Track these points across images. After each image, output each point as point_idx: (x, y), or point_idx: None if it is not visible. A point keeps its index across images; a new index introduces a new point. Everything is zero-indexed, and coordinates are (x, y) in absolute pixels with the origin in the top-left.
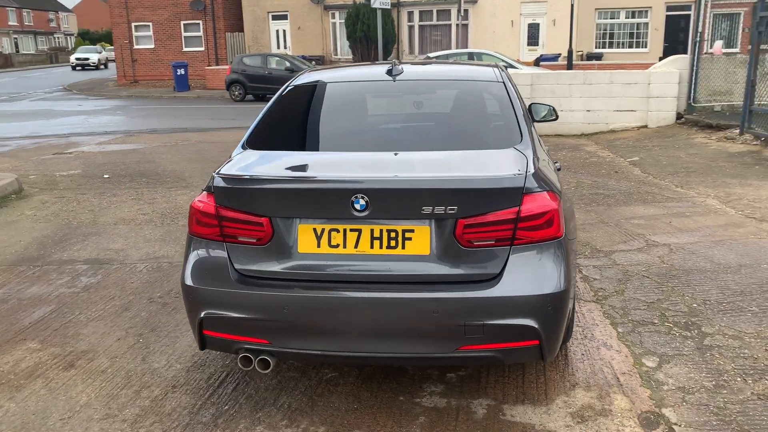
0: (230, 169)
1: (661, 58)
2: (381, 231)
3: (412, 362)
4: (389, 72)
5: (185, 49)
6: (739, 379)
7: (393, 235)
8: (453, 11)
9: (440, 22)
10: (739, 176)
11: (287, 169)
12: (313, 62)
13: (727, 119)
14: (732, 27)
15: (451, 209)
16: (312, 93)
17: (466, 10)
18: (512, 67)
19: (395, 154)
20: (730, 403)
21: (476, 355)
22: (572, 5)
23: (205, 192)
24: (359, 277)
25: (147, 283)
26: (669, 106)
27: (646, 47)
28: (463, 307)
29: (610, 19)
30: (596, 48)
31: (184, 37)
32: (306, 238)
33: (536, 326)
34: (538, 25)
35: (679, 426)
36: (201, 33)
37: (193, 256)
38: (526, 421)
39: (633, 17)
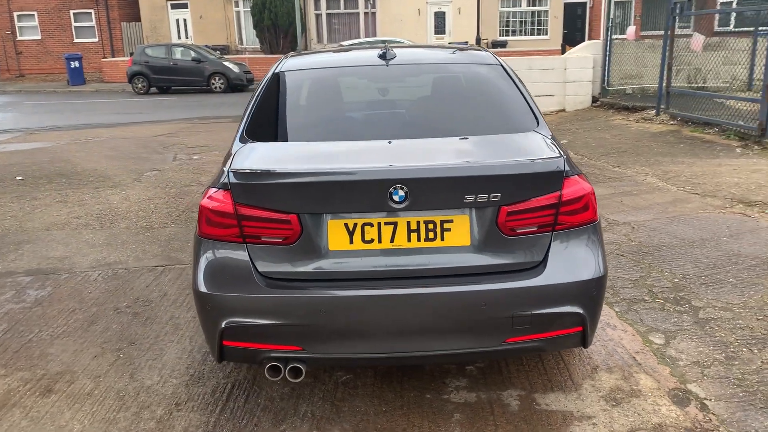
0: (246, 163)
1: (562, 45)
2: (418, 223)
3: (457, 359)
4: (382, 56)
5: (77, 40)
6: (744, 349)
7: (431, 226)
8: (361, 0)
9: (348, 10)
10: (668, 155)
11: (310, 161)
12: (218, 52)
13: (641, 101)
14: (624, 14)
15: (494, 196)
16: (305, 80)
17: None
18: None
19: (418, 141)
20: (747, 374)
21: (522, 347)
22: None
23: (216, 189)
24: (398, 273)
25: (107, 293)
26: (585, 90)
27: (547, 34)
28: (512, 298)
29: (513, 7)
30: (500, 36)
31: (75, 27)
32: (337, 234)
33: (582, 312)
34: (444, 13)
35: (710, 401)
36: (94, 23)
37: (205, 261)
38: (562, 409)
39: (534, 5)
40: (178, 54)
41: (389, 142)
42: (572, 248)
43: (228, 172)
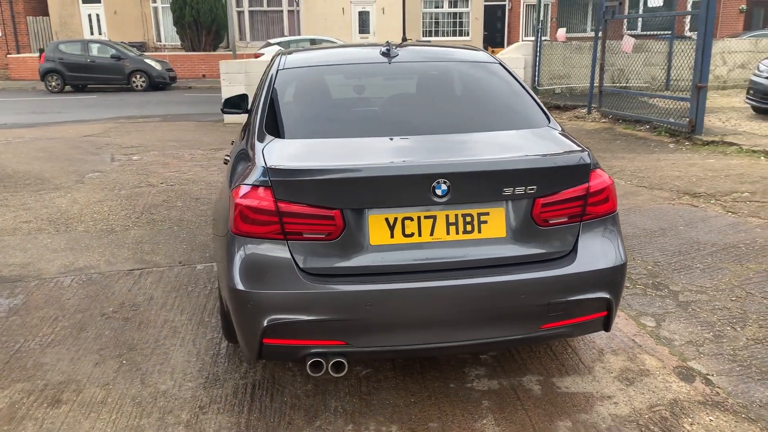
0: (284, 160)
1: (485, 46)
2: (456, 216)
3: (495, 347)
4: (385, 54)
5: None
6: (728, 328)
7: (468, 219)
8: None
9: (271, 8)
10: (608, 150)
11: (347, 156)
12: (135, 49)
13: (571, 100)
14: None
15: (531, 189)
16: (314, 76)
17: None
18: None
19: (446, 137)
20: (737, 350)
21: (554, 333)
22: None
23: (251, 186)
24: (438, 266)
25: (88, 298)
26: None
27: (468, 35)
28: (548, 286)
29: (435, 8)
30: (423, 36)
31: None
32: (378, 228)
33: (609, 297)
34: (368, 12)
35: (712, 376)
36: None
37: (243, 259)
38: (582, 391)
39: (455, 7)
40: (95, 51)
41: (419, 138)
42: (598, 237)
43: (265, 168)
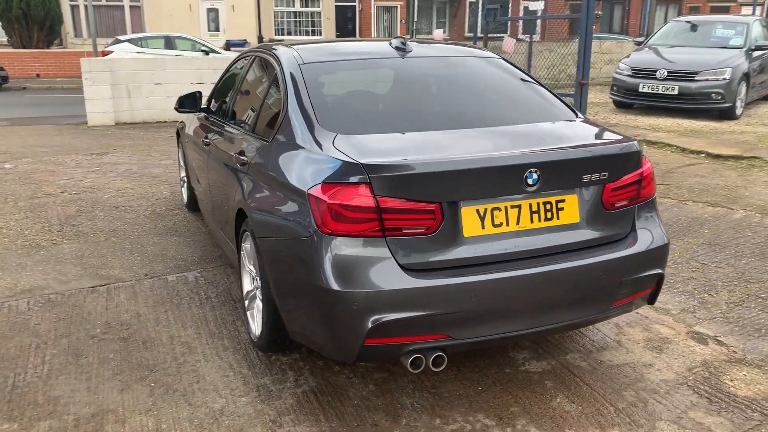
0: (375, 155)
1: None
2: (538, 204)
3: (577, 326)
4: (399, 48)
5: None
6: (705, 295)
7: (548, 207)
8: None
9: (110, 3)
10: None
11: (432, 150)
12: None
13: None
14: (392, 19)
15: (603, 175)
16: (342, 71)
17: None
18: (215, 52)
19: (508, 128)
20: (725, 313)
21: (620, 309)
22: None
23: (347, 184)
24: (526, 253)
25: (62, 321)
26: None
27: (321, 35)
28: (621, 266)
29: (287, 7)
30: (276, 35)
31: None
32: (470, 220)
33: (662, 272)
34: (217, 10)
35: (720, 337)
36: None
37: (337, 258)
38: (625, 362)
39: (307, 6)
40: None
41: (479, 130)
42: (648, 218)
43: (358, 164)
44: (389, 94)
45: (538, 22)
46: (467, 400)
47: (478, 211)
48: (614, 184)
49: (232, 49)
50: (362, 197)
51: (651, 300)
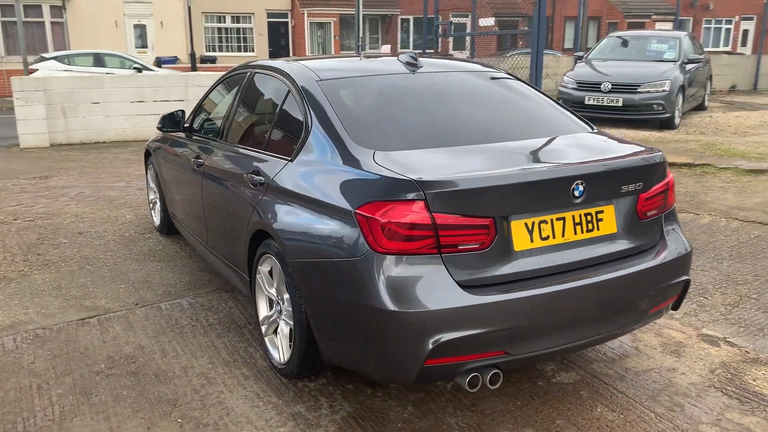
0: (426, 171)
1: None
2: (580, 216)
3: (619, 335)
4: (410, 64)
5: None
6: (702, 298)
7: (589, 218)
8: (45, 7)
9: (29, 19)
10: None
11: (473, 165)
12: None
13: None
14: (326, 34)
15: (639, 185)
16: (361, 87)
17: (60, 7)
18: (147, 69)
19: (538, 140)
20: (726, 315)
21: (654, 316)
22: (189, 7)
23: (401, 201)
24: (573, 265)
25: (58, 358)
26: None
27: (253, 51)
28: (657, 274)
29: (218, 23)
30: (207, 51)
31: None
32: (520, 234)
33: (689, 278)
34: (144, 26)
35: (729, 338)
36: None
37: (390, 278)
38: (650, 368)
39: (239, 22)
40: None
41: (512, 144)
42: (673, 226)
43: (410, 181)
44: (414, 110)
45: (468, 39)
46: (510, 416)
47: (526, 224)
48: (647, 194)
49: (163, 66)
50: (418, 214)
51: (676, 306)
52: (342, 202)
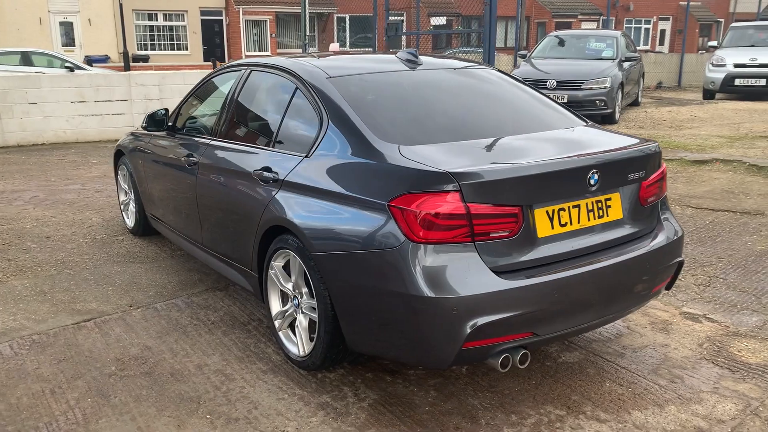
0: (457, 163)
1: (213, 60)
2: (592, 203)
3: (626, 314)
4: (411, 61)
5: None
6: (677, 280)
7: (599, 205)
8: None
9: None
10: None
11: (496, 156)
12: None
13: None
14: (262, 32)
15: (642, 173)
16: (371, 84)
17: None
18: (80, 68)
19: (547, 133)
20: (700, 294)
21: (654, 295)
22: (120, 5)
23: (435, 193)
24: (587, 249)
25: (64, 362)
26: None
27: (187, 50)
28: (660, 255)
29: (149, 20)
30: (139, 50)
31: None
32: (542, 221)
33: (683, 259)
34: (71, 23)
35: (708, 315)
36: None
37: (428, 266)
38: (644, 344)
39: (171, 20)
40: None
41: (522, 136)
42: (666, 212)
43: (447, 172)
44: (426, 105)
45: (404, 38)
46: (528, 395)
47: (547, 212)
48: (648, 181)
49: (93, 65)
50: (454, 204)
51: (669, 286)
52: (373, 195)
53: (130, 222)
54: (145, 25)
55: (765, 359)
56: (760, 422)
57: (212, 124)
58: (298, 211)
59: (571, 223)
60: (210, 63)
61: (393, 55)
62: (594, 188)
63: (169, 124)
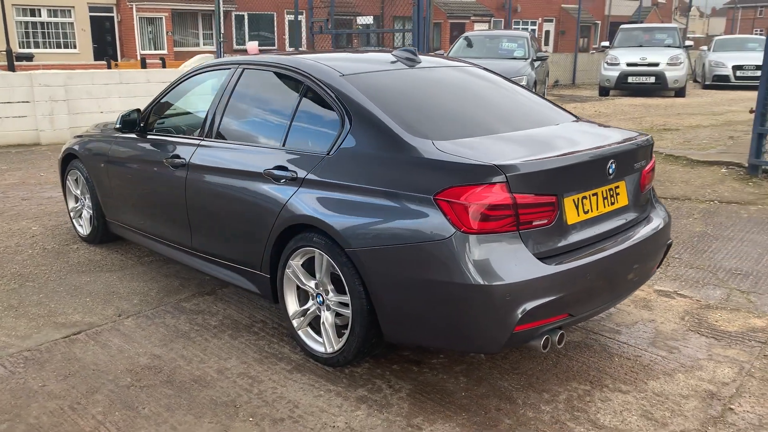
0: (497, 156)
1: (107, 59)
2: (605, 192)
3: (632, 293)
4: (411, 59)
5: None
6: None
7: (611, 193)
8: None
9: None
10: None
11: (532, 149)
12: None
13: None
14: (157, 30)
15: (643, 162)
16: (386, 82)
17: None
18: None
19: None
20: (665, 273)
21: (653, 274)
22: (2, 2)
23: (484, 185)
24: (605, 234)
25: (71, 377)
26: None
27: (76, 48)
28: (658, 238)
29: (31, 17)
30: (21, 48)
31: None
32: (570, 209)
33: (672, 241)
34: None
35: (678, 292)
36: None
37: (479, 255)
38: (634, 321)
39: (56, 16)
40: None
41: (537, 130)
42: (655, 198)
43: (493, 165)
44: (443, 101)
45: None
46: (550, 373)
47: (574, 200)
48: (646, 170)
49: None
50: (502, 195)
51: (659, 264)
52: (414, 190)
53: (84, 230)
54: (27, 21)
55: (741, 327)
56: (756, 382)
57: (201, 124)
58: (326, 208)
59: (592, 210)
60: (104, 62)
61: (390, 54)
62: (611, 177)
63: (141, 125)
